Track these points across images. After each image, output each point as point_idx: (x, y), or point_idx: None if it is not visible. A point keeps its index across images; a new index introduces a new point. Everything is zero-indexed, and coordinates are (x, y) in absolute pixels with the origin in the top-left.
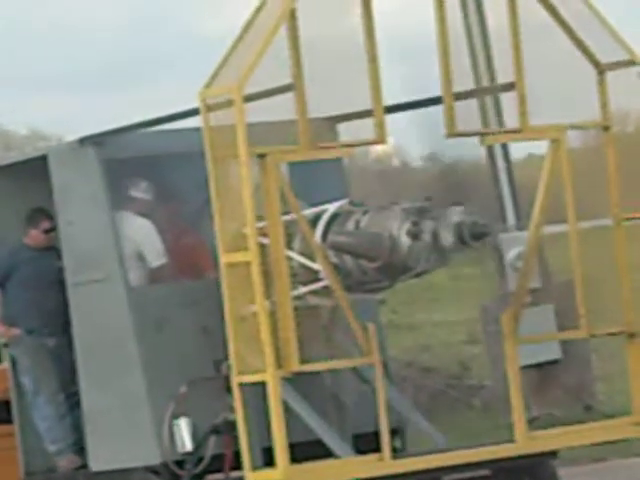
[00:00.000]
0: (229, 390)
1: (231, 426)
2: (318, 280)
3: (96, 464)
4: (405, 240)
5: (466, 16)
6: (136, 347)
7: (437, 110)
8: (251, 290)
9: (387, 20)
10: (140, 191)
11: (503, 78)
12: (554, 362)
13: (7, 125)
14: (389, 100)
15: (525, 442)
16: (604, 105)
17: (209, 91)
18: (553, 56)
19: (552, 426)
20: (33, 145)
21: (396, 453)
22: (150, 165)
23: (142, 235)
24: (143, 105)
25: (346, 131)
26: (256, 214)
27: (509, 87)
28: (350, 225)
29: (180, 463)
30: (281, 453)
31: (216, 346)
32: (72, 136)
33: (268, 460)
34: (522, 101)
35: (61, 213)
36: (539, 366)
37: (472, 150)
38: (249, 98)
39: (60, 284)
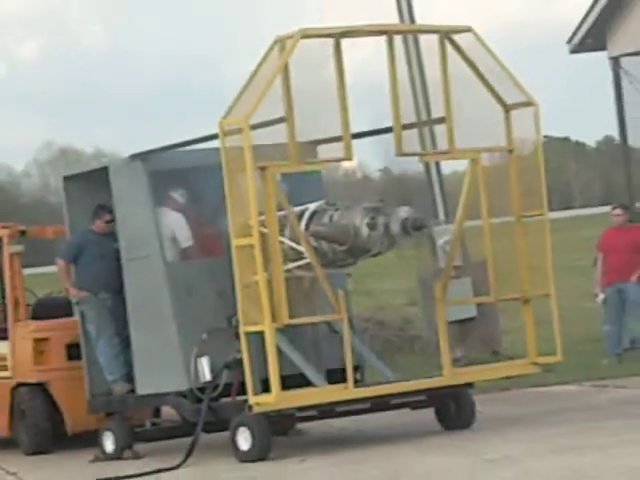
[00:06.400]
0: (237, 337)
1: (239, 363)
2: (302, 258)
3: (141, 389)
4: (365, 230)
5: (410, 68)
6: (171, 306)
7: (389, 136)
8: (254, 265)
9: (354, 68)
10: (175, 193)
11: (437, 114)
12: (471, 319)
13: (76, 145)
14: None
15: (450, 376)
16: (509, 134)
17: (225, 121)
18: (473, 98)
19: (470, 365)
20: (98, 160)
21: (357, 383)
22: (182, 174)
23: (176, 224)
24: (176, 131)
25: (323, 152)
26: (258, 210)
27: (441, 120)
28: (326, 219)
29: (202, 389)
30: (274, 383)
31: (229, 305)
32: (126, 154)
33: (265, 388)
34: (450, 131)
35: (118, 209)
36: (460, 322)
37: (414, 166)
38: (254, 127)
39: (116, 260)
